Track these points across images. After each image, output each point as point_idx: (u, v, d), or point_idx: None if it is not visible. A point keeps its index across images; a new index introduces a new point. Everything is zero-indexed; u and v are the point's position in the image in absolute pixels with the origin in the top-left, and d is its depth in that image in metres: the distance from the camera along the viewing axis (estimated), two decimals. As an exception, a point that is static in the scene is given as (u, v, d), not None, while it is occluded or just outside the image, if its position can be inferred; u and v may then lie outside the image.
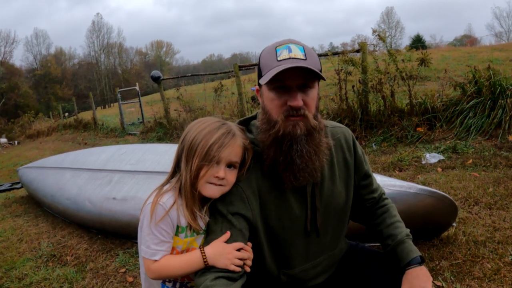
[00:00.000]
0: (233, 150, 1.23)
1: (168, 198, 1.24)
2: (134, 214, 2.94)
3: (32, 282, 2.62)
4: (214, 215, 1.27)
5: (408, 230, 1.44)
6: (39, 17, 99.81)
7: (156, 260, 1.22)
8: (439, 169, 4.04)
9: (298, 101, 1.18)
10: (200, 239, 1.29)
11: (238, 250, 1.23)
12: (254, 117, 1.39)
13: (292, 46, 1.22)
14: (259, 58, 1.29)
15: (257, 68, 1.30)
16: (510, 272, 2.05)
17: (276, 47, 1.23)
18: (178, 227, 1.24)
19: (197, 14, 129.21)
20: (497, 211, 2.82)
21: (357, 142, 1.48)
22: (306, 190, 1.32)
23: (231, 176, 1.25)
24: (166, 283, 1.33)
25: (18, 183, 5.67)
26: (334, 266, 1.50)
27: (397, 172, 4.18)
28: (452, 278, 2.07)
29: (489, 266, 2.12)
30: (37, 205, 4.54)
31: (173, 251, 1.26)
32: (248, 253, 1.26)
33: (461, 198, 3.12)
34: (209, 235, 1.27)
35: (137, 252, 2.91)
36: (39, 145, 14.07)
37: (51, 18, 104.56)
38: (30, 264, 2.92)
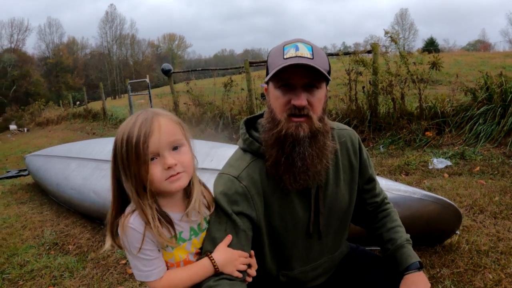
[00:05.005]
0: (162, 131, 1.06)
1: (134, 218, 1.10)
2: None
3: (33, 270, 2.64)
4: (218, 213, 1.24)
5: (408, 235, 1.42)
6: (53, 6, 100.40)
7: (159, 279, 1.15)
8: (446, 175, 4.00)
9: (301, 100, 1.16)
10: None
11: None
12: (262, 116, 1.37)
13: (300, 45, 1.19)
14: (267, 56, 1.27)
15: (266, 66, 1.28)
16: (512, 283, 2.02)
17: (284, 45, 1.21)
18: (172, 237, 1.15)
19: (213, 10, 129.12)
20: (502, 220, 2.78)
21: (363, 146, 1.46)
22: (310, 192, 1.30)
23: (184, 157, 1.11)
24: None
25: (25, 170, 5.72)
26: (333, 268, 1.49)
27: (403, 176, 4.14)
28: (452, 287, 2.05)
29: (491, 277, 2.09)
30: (42, 193, 4.58)
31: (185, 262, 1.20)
32: (254, 260, 1.25)
33: (466, 205, 3.09)
34: (213, 234, 1.22)
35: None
36: (48, 133, 14.20)
37: (65, 8, 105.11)
38: (32, 252, 2.95)
